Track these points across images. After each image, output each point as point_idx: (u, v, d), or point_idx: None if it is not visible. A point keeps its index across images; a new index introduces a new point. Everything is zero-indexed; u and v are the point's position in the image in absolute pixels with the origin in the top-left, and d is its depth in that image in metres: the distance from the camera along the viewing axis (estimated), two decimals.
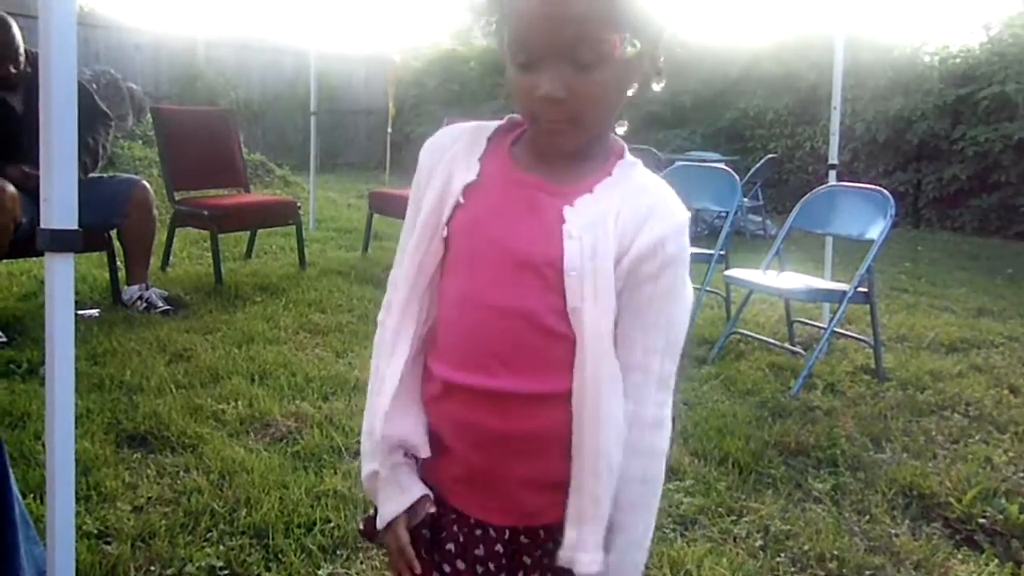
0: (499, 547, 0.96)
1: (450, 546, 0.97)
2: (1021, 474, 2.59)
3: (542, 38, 0.82)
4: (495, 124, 0.97)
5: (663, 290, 0.89)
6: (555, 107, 0.84)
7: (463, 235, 0.91)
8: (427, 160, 0.96)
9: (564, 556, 0.90)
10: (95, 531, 1.94)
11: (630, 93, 0.90)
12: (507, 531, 0.95)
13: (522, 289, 0.88)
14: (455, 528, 0.97)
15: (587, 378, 0.87)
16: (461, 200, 0.91)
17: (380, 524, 0.96)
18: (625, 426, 0.89)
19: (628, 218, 0.88)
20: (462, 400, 0.91)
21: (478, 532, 0.96)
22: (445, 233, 0.91)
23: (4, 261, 3.65)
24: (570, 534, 0.90)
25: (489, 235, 0.90)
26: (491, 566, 0.96)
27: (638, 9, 0.84)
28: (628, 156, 0.94)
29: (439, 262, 0.93)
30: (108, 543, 1.91)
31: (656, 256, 0.88)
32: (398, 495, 0.95)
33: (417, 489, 0.96)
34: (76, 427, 2.36)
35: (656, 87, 0.92)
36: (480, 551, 0.96)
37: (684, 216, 0.91)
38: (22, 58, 3.59)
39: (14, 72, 3.57)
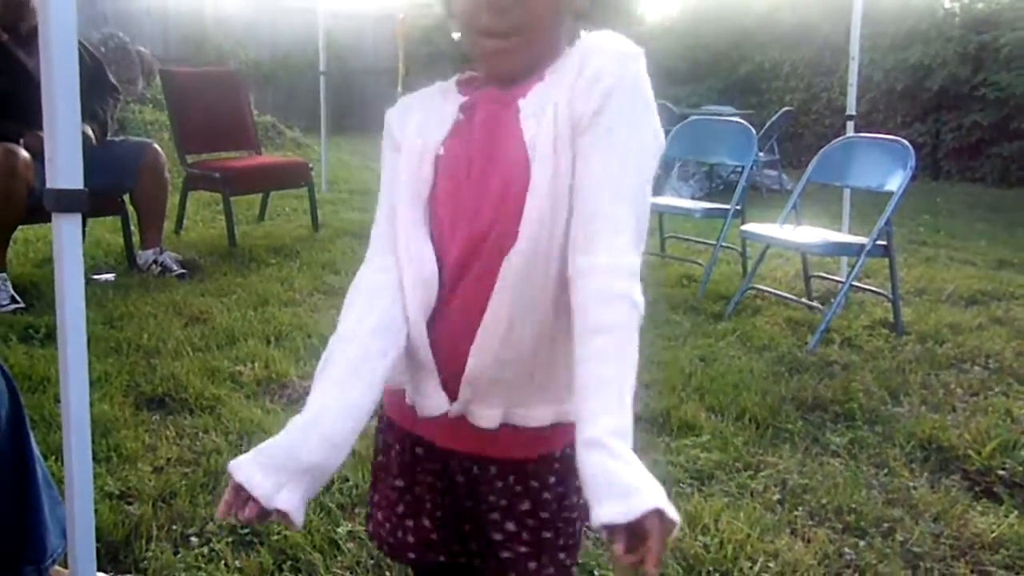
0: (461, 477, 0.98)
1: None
2: None
3: None
4: (454, 80, 0.98)
5: (608, 128, 0.84)
6: (501, 16, 0.85)
7: (458, 149, 0.92)
8: (398, 114, 0.98)
9: (453, 409, 0.92)
10: (117, 492, 1.96)
11: (574, 6, 0.90)
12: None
13: (499, 192, 0.88)
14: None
15: (530, 238, 0.85)
16: (461, 116, 0.93)
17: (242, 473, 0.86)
18: (581, 279, 0.83)
19: (568, 70, 0.87)
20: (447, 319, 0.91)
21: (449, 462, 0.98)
22: (441, 151, 0.92)
23: (20, 227, 3.65)
24: (465, 390, 0.91)
25: (478, 147, 0.91)
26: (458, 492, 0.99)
27: None
28: (580, 39, 0.91)
29: (430, 188, 0.93)
30: (130, 503, 1.93)
31: (592, 93, 0.84)
32: (270, 482, 0.85)
33: (281, 503, 0.85)
34: (95, 390, 2.39)
35: (584, 25, 0.92)
36: (459, 478, 0.98)
37: (624, 47, 0.87)
38: (36, 12, 3.56)
39: (25, 26, 3.54)
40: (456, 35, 0.93)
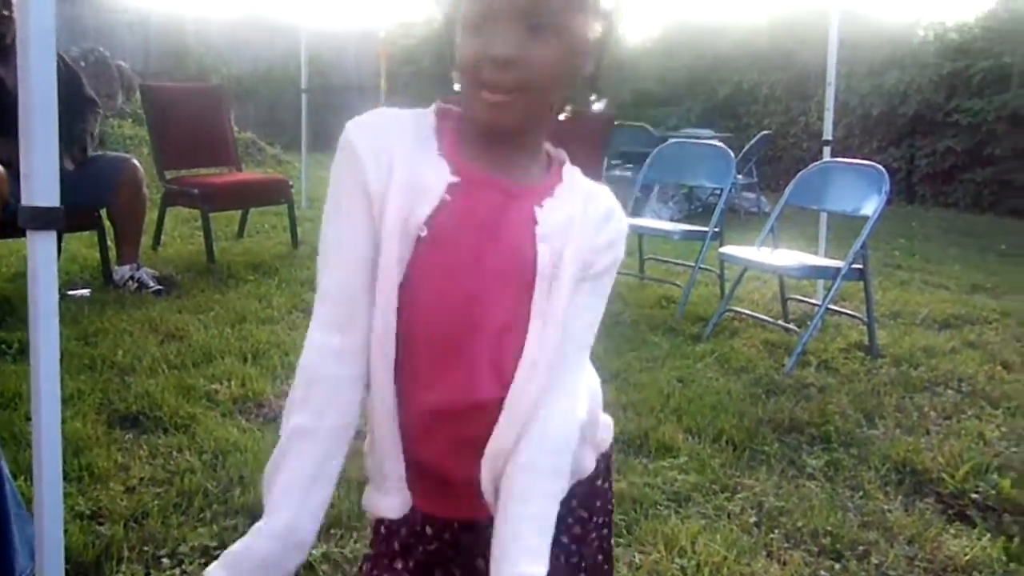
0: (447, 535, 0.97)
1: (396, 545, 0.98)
2: (1013, 449, 2.60)
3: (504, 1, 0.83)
4: (430, 114, 0.93)
5: (602, 290, 0.94)
6: (503, 69, 0.83)
7: (451, 237, 0.87)
8: (371, 144, 0.88)
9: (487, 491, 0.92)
10: (87, 512, 1.93)
11: (579, 74, 0.89)
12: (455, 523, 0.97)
13: (502, 298, 0.88)
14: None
15: (539, 363, 0.88)
16: (447, 198, 0.87)
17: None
18: (535, 410, 0.88)
19: (588, 223, 0.92)
20: (439, 417, 0.90)
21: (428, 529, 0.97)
22: (424, 233, 0.86)
23: None
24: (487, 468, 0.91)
25: (470, 239, 0.88)
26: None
27: None
28: (568, 163, 0.96)
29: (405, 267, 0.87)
30: (101, 524, 1.90)
31: (607, 256, 0.93)
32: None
33: None
34: (67, 408, 2.35)
35: (596, 100, 0.95)
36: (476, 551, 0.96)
37: (626, 224, 0.98)
38: (15, 27, 3.54)
39: (3, 39, 3.51)
40: (457, 86, 0.90)
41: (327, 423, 0.87)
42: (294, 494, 0.86)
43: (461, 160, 0.89)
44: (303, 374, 0.88)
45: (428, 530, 0.97)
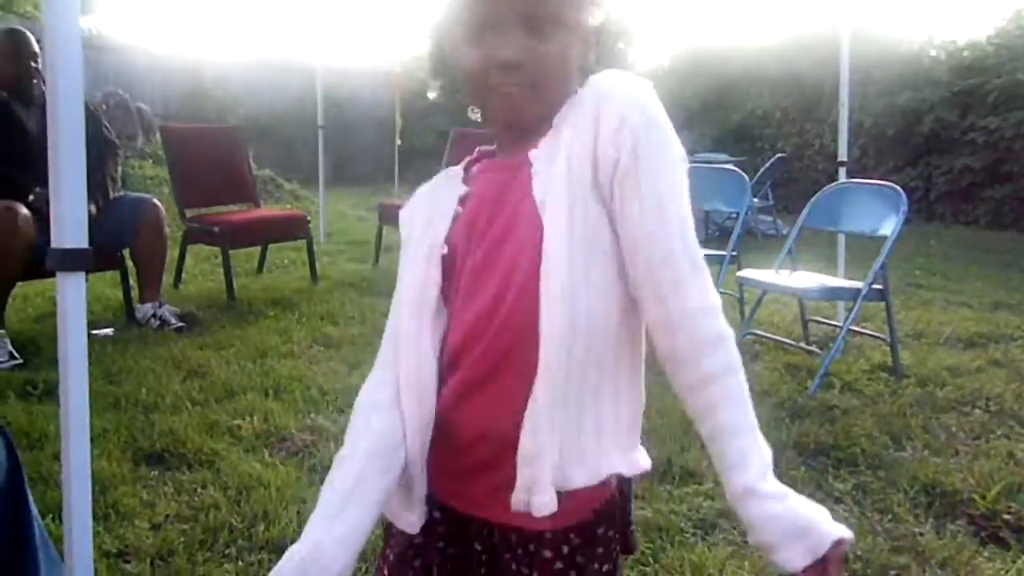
0: (478, 545, 0.94)
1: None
2: None
3: (502, 3, 0.84)
4: (466, 160, 0.98)
5: (650, 171, 0.82)
6: (512, 73, 0.85)
7: (464, 245, 0.89)
8: (409, 210, 0.98)
9: (516, 499, 0.85)
10: (114, 550, 1.94)
11: (586, 64, 0.89)
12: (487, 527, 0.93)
13: (517, 265, 0.85)
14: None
15: (550, 299, 0.82)
16: (459, 209, 0.91)
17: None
18: (673, 329, 0.83)
19: (583, 118, 0.84)
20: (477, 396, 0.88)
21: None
22: (445, 250, 0.90)
23: (20, 283, 3.67)
24: (524, 472, 0.84)
25: (481, 229, 0.89)
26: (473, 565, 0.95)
27: None
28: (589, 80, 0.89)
29: (439, 289, 0.90)
30: (128, 562, 1.91)
31: (620, 139, 0.82)
32: None
33: None
34: (93, 446, 2.36)
35: (619, 59, 0.93)
36: (478, 546, 0.94)
37: (637, 87, 0.85)
38: (42, 75, 3.63)
39: (35, 85, 3.61)
40: (474, 115, 0.92)
41: (362, 446, 0.89)
42: (323, 519, 0.87)
43: (479, 169, 0.93)
44: (356, 402, 0.94)
45: (436, 515, 0.95)
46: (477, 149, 0.98)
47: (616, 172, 0.82)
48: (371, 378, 0.94)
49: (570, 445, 0.85)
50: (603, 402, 0.87)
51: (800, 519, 0.77)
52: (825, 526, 0.77)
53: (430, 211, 0.93)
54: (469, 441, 0.89)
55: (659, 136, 0.83)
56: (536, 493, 0.84)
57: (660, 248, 0.82)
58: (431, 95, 0.95)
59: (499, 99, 0.87)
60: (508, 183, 0.89)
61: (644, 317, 0.86)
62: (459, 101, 0.96)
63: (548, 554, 0.90)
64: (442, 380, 0.90)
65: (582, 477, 0.86)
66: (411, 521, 0.94)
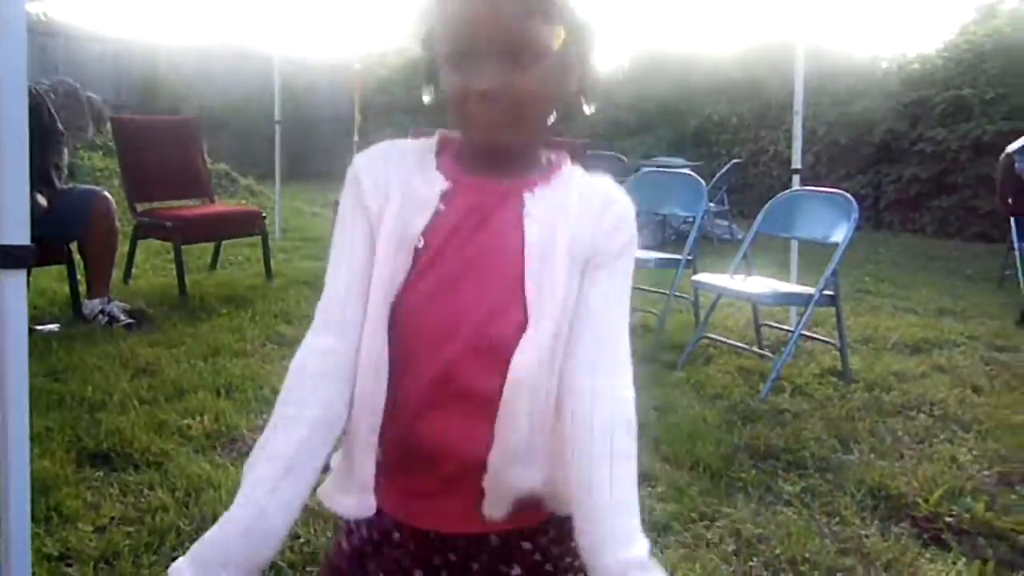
0: (453, 556, 0.95)
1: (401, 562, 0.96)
2: (986, 473, 2.63)
3: (477, 34, 0.83)
4: (433, 140, 0.96)
5: (621, 275, 0.93)
6: (491, 104, 0.84)
7: (443, 244, 0.89)
8: (370, 168, 0.92)
9: (488, 512, 0.90)
10: (55, 553, 1.89)
11: (565, 91, 0.90)
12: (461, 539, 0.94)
13: (490, 283, 0.87)
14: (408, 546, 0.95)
15: (535, 343, 0.86)
16: (441, 207, 0.90)
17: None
18: (601, 400, 0.88)
19: (586, 208, 0.91)
20: (444, 415, 0.88)
21: (436, 544, 0.95)
22: (421, 243, 0.89)
23: None
24: (496, 486, 0.89)
25: (461, 238, 0.89)
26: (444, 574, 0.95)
27: (571, 5, 0.86)
28: (569, 163, 0.96)
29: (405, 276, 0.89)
30: (69, 565, 1.86)
31: (619, 236, 0.92)
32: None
33: None
34: (35, 446, 2.30)
35: (587, 106, 0.94)
36: (438, 560, 0.95)
37: (631, 207, 0.95)
38: None
39: None
40: (426, 99, 0.93)
41: (307, 414, 0.87)
42: (266, 484, 0.85)
43: (458, 168, 0.92)
44: (290, 372, 0.91)
45: (396, 536, 0.95)
46: (440, 134, 0.96)
47: (596, 259, 0.90)
48: (315, 341, 0.91)
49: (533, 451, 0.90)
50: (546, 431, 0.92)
51: None
52: None
53: (404, 195, 0.90)
54: (438, 458, 0.90)
55: (633, 250, 0.94)
56: (509, 502, 0.90)
57: (613, 333, 0.91)
58: (426, 99, 0.93)
59: (478, 128, 0.87)
60: (494, 208, 0.90)
61: (571, 383, 0.89)
62: (419, 99, 0.95)
63: (527, 545, 0.95)
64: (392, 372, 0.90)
65: (537, 477, 0.92)
66: (347, 504, 0.93)
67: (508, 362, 0.86)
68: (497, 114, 0.85)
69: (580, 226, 0.89)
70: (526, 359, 0.86)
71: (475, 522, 0.92)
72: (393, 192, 0.90)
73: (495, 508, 0.90)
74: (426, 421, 0.89)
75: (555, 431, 0.90)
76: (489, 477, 0.88)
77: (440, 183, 0.91)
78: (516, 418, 0.87)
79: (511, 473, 0.89)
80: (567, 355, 0.89)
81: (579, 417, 0.87)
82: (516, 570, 0.95)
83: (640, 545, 0.83)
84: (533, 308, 0.87)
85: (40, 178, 3.69)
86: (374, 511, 0.93)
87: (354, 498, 0.93)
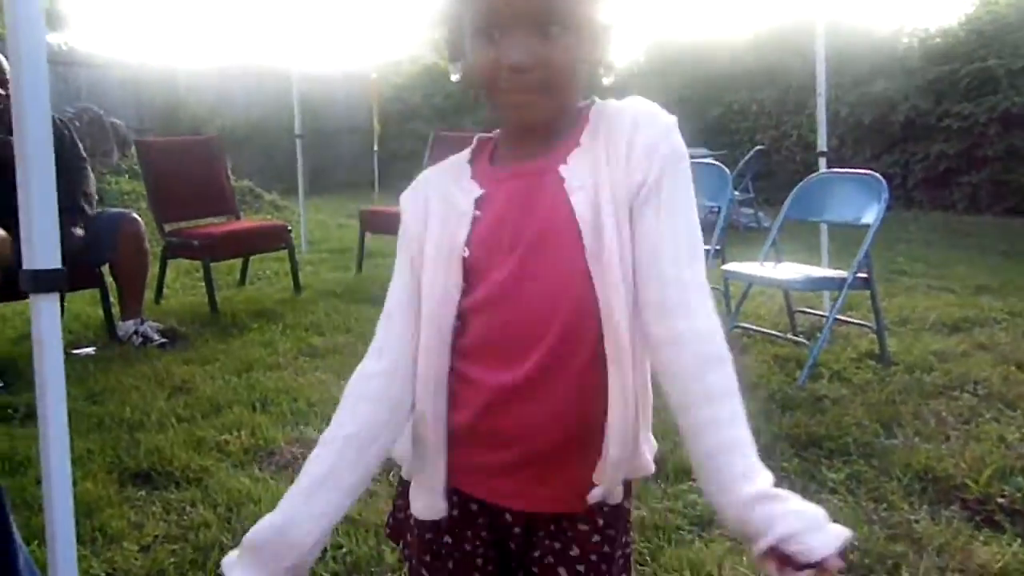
0: (517, 529, 0.98)
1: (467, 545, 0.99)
2: None
3: (510, 6, 0.83)
4: (468, 150, 0.97)
5: (670, 196, 0.87)
6: (523, 76, 0.84)
7: (492, 247, 0.90)
8: (413, 205, 0.96)
9: (594, 495, 0.92)
10: (102, 574, 1.91)
11: (592, 61, 0.90)
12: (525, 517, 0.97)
13: (551, 268, 0.88)
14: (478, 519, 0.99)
15: (614, 315, 0.86)
16: (478, 213, 0.91)
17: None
18: (680, 344, 0.85)
19: (616, 147, 0.88)
20: (532, 403, 0.90)
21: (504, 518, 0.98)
22: (467, 253, 0.90)
23: None
24: (607, 470, 0.92)
25: (507, 235, 0.90)
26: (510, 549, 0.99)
27: None
28: (597, 102, 0.94)
29: (460, 291, 0.91)
30: None
31: (649, 167, 0.87)
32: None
33: None
34: (77, 468, 2.33)
35: (606, 78, 0.93)
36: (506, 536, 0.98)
37: (669, 118, 0.91)
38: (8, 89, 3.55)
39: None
40: (455, 77, 0.93)
41: (344, 432, 0.92)
42: (299, 495, 0.91)
43: (491, 171, 0.93)
44: (347, 385, 0.96)
45: (480, 511, 0.98)
46: (477, 138, 0.98)
47: (640, 193, 0.87)
48: (364, 366, 0.96)
49: (633, 439, 0.92)
50: (645, 395, 0.94)
51: (817, 512, 0.77)
52: (837, 527, 0.76)
53: (444, 210, 0.92)
54: (515, 440, 0.92)
55: (683, 169, 0.89)
56: (615, 486, 0.93)
57: (672, 268, 0.86)
58: (454, 78, 0.93)
59: (510, 104, 0.88)
60: (532, 192, 0.90)
61: (648, 331, 0.87)
62: (436, 105, 0.96)
63: (584, 527, 0.97)
64: (457, 381, 0.94)
65: (641, 466, 0.97)
66: (423, 506, 0.97)
67: (594, 339, 0.88)
68: (529, 86, 0.85)
69: (617, 170, 0.87)
70: (612, 326, 0.86)
71: (530, 500, 0.95)
72: (432, 209, 0.93)
73: (609, 481, 0.92)
74: (512, 412, 0.91)
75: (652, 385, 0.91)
76: (609, 445, 0.90)
77: (474, 190, 0.92)
78: (622, 384, 0.88)
79: (627, 445, 0.91)
80: (638, 304, 0.87)
81: (666, 366, 0.86)
82: (575, 550, 0.97)
83: (761, 478, 0.80)
84: (603, 287, 0.86)
85: (73, 208, 3.73)
86: (445, 515, 0.97)
87: (424, 502, 0.97)
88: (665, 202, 0.87)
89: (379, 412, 0.93)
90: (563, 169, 0.88)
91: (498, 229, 0.90)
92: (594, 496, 0.93)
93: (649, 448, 1.00)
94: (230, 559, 0.90)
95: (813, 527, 0.75)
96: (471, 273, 0.91)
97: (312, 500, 0.90)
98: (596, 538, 0.97)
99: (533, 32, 0.83)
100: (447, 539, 1.00)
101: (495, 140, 0.97)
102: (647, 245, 0.86)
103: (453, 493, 0.97)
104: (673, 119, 0.91)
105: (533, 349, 0.88)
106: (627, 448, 0.91)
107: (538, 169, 0.90)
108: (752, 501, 0.78)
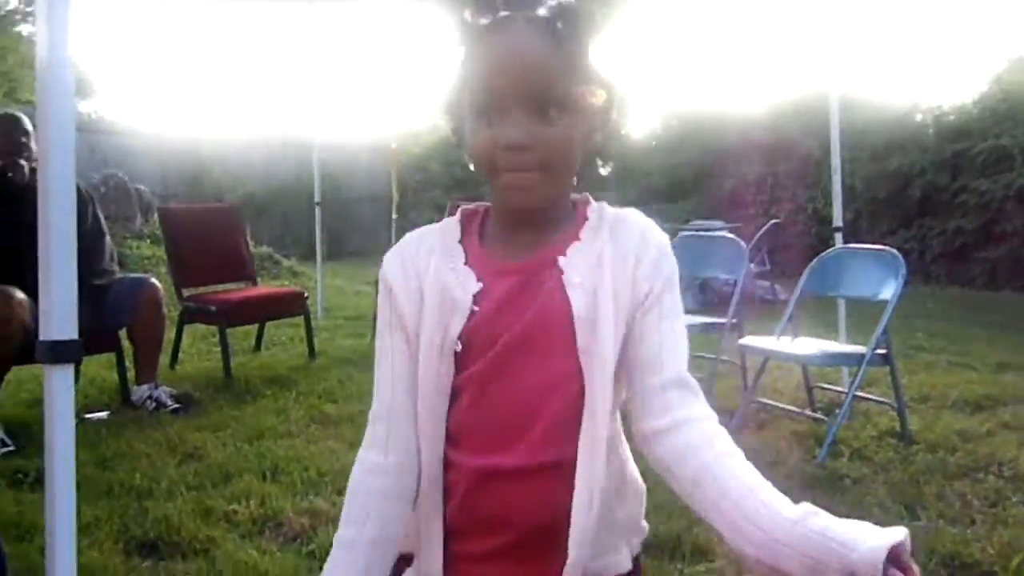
0: None
1: None
2: None
3: (507, 87, 0.84)
4: (455, 223, 0.96)
5: (669, 308, 0.91)
6: (519, 155, 0.85)
7: (486, 339, 0.89)
8: (401, 273, 0.94)
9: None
10: None
11: (589, 147, 0.91)
12: None
13: (546, 362, 0.88)
14: None
15: (597, 411, 0.87)
16: (476, 308, 0.90)
17: None
18: (689, 425, 0.86)
19: (622, 254, 0.90)
20: (505, 483, 0.90)
21: None
22: (459, 347, 0.90)
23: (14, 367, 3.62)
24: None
25: (503, 328, 0.89)
26: None
27: (600, 63, 0.88)
28: (593, 202, 0.95)
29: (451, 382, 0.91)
30: None
31: (655, 278, 0.90)
32: None
33: None
34: (83, 536, 2.30)
35: (602, 168, 0.95)
36: None
37: (664, 236, 0.94)
38: (34, 163, 3.61)
39: (24, 174, 3.59)
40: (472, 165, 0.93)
41: (366, 535, 0.90)
42: None
43: (487, 259, 0.92)
44: (348, 490, 0.94)
45: None
46: (461, 211, 0.97)
47: (644, 303, 0.89)
48: (367, 459, 0.94)
49: (593, 543, 0.90)
50: (618, 497, 0.95)
51: (868, 524, 0.75)
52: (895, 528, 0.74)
53: (439, 298, 0.90)
54: (498, 526, 0.91)
55: (676, 283, 0.93)
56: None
57: (674, 372, 0.88)
58: (471, 166, 0.95)
59: (508, 184, 0.88)
60: (530, 286, 0.90)
61: (648, 424, 0.88)
62: (454, 175, 0.96)
63: None
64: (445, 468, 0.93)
65: (612, 564, 0.95)
66: None
67: (577, 432, 0.88)
68: (527, 165, 0.85)
69: (621, 277, 0.89)
70: (591, 426, 0.87)
71: None
72: (427, 292, 0.91)
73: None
74: (496, 497, 0.90)
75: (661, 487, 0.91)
76: (573, 542, 0.88)
77: (472, 284, 0.91)
78: (590, 483, 0.87)
79: (584, 547, 0.88)
80: (634, 402, 0.89)
81: (674, 448, 0.85)
82: None
83: (801, 504, 0.78)
84: (591, 382, 0.87)
85: (83, 278, 3.74)
86: None
87: None
88: (666, 311, 0.90)
89: (396, 507, 0.92)
90: (562, 261, 0.89)
91: (494, 323, 0.89)
92: None
93: (629, 545, 0.98)
94: None
95: (868, 531, 0.74)
96: (461, 361, 0.90)
97: None
98: None
99: (531, 113, 0.84)
100: None
101: (481, 215, 0.96)
102: (650, 351, 0.89)
103: None
104: (666, 238, 0.95)
105: (520, 439, 0.88)
106: (584, 550, 0.88)
107: (537, 263, 0.91)
108: (799, 521, 0.76)
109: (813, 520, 0.76)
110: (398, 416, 0.93)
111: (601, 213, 0.93)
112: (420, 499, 0.93)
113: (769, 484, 0.82)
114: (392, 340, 0.94)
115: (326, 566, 0.91)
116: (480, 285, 0.91)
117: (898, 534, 0.72)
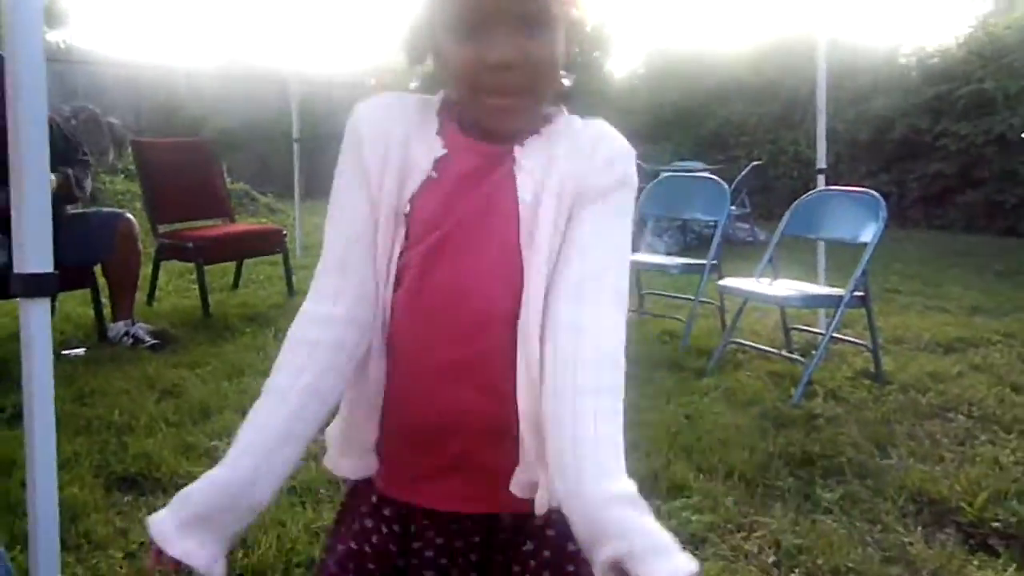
0: (476, 537, 0.95)
1: (428, 552, 0.95)
2: None
3: (493, 2, 0.81)
4: (438, 99, 0.93)
5: (613, 209, 0.88)
6: (506, 74, 0.83)
7: (436, 213, 0.87)
8: (372, 125, 0.90)
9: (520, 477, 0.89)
10: None
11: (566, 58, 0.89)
12: (484, 519, 0.94)
13: (487, 244, 0.87)
14: (430, 530, 0.95)
15: (531, 297, 0.85)
16: (434, 174, 0.88)
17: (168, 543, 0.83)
18: (583, 332, 0.83)
19: (577, 147, 0.89)
20: (456, 388, 0.88)
21: (453, 526, 0.94)
22: (407, 209, 0.88)
23: None
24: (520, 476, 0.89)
25: (452, 200, 0.88)
26: (471, 558, 0.95)
27: None
28: (566, 113, 0.93)
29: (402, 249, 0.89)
30: None
31: (611, 172, 0.88)
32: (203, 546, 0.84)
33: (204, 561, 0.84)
34: (63, 472, 2.29)
35: (570, 66, 0.92)
36: (459, 544, 0.95)
37: (629, 147, 0.92)
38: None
39: None
40: (413, 85, 0.95)
41: (301, 383, 0.87)
42: (257, 451, 0.85)
43: (456, 134, 0.90)
44: (287, 339, 0.90)
45: (430, 525, 0.95)
46: (443, 92, 0.93)
47: (588, 194, 0.87)
48: (313, 309, 0.90)
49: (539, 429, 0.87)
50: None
51: (665, 538, 0.72)
52: (685, 557, 0.71)
53: (402, 158, 0.88)
54: (451, 431, 0.89)
55: (630, 196, 0.90)
56: (541, 487, 0.88)
57: (596, 267, 0.85)
58: (412, 86, 0.91)
59: (492, 107, 0.86)
60: (486, 169, 0.88)
61: (554, 316, 0.85)
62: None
63: (539, 522, 0.92)
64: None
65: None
66: (347, 466, 0.96)
67: (515, 327, 0.86)
68: (515, 86, 0.84)
69: (570, 166, 0.87)
70: (527, 321, 0.85)
71: (488, 501, 0.92)
72: (392, 154, 0.88)
73: (526, 477, 0.89)
74: (437, 394, 0.88)
75: (541, 367, 0.85)
76: (523, 442, 0.87)
77: (437, 148, 0.89)
78: (532, 380, 0.85)
79: (536, 432, 0.86)
80: (552, 288, 0.85)
81: (562, 349, 0.83)
82: (529, 545, 0.94)
83: (627, 482, 0.76)
84: (528, 268, 0.86)
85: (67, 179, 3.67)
86: (376, 470, 0.94)
87: (354, 460, 0.95)
88: (607, 213, 0.87)
89: (337, 360, 0.88)
90: (517, 150, 0.88)
91: (450, 197, 0.88)
92: (518, 484, 0.89)
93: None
94: (164, 527, 0.83)
95: (664, 552, 0.71)
96: (409, 234, 0.88)
97: (273, 457, 0.85)
98: (551, 532, 0.93)
99: (514, 29, 0.82)
100: (399, 562, 0.97)
101: (460, 109, 0.93)
102: (581, 242, 0.86)
103: (386, 505, 0.95)
104: (631, 148, 0.92)
105: (449, 331, 0.87)
106: (537, 436, 0.85)
107: (502, 150, 0.89)
108: (612, 500, 0.75)
109: (622, 507, 0.74)
110: (351, 271, 0.89)
111: (571, 120, 0.92)
112: (359, 369, 0.90)
113: (618, 443, 0.79)
114: (352, 196, 0.90)
115: (250, 413, 0.88)
116: (444, 152, 0.89)
117: (685, 570, 0.69)
